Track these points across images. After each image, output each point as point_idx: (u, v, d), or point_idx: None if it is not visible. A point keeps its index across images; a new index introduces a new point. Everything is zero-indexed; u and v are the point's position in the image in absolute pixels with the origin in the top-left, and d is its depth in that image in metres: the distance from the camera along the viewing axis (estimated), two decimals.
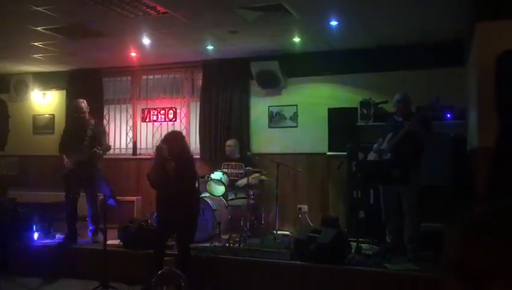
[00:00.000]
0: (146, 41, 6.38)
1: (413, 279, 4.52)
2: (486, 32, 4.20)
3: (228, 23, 5.68)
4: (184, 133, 6.91)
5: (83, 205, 6.02)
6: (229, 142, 6.89)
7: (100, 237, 5.39)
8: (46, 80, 8.54)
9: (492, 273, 0.71)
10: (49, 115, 8.59)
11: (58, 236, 6.13)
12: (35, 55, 7.33)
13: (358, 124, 6.44)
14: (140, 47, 6.71)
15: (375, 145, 5.37)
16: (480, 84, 4.33)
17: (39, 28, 5.90)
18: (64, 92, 8.37)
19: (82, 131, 5.85)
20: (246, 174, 6.26)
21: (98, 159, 5.88)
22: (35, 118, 8.67)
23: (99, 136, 5.93)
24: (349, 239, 5.24)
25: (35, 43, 6.62)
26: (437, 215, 5.31)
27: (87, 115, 5.99)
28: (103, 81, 8.15)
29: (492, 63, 3.43)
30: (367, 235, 5.65)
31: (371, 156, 5.39)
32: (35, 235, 6.06)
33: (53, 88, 8.56)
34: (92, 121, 6.05)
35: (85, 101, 6.04)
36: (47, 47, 6.84)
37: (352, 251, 5.12)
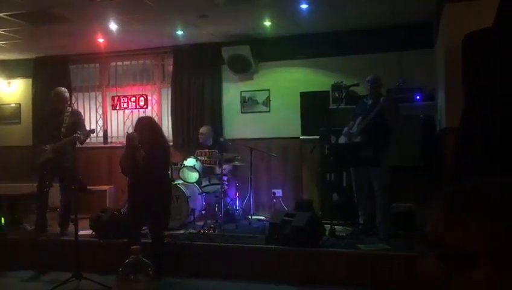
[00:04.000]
0: (113, 26, 6.22)
1: (386, 258, 4.61)
2: (454, 13, 4.25)
3: (197, 7, 5.58)
4: (156, 119, 6.81)
5: (51, 195, 5.89)
6: (202, 129, 6.82)
7: (70, 228, 5.29)
8: (11, 68, 8.27)
9: (474, 252, 0.69)
10: (15, 104, 8.34)
11: (28, 228, 5.99)
12: None
13: (330, 107, 6.47)
14: (107, 32, 6.54)
15: (345, 129, 5.42)
16: (448, 65, 4.39)
17: (1, 14, 5.68)
18: (30, 80, 8.12)
19: (59, 119, 5.73)
20: (220, 161, 6.23)
21: (74, 148, 5.80)
22: (0, 107, 8.40)
23: (78, 125, 5.81)
24: (323, 222, 5.30)
25: None
26: (408, 195, 5.42)
27: (67, 103, 5.91)
28: (70, 69, 7.94)
29: (461, 43, 3.47)
30: (341, 217, 5.72)
31: (342, 140, 5.45)
32: (5, 228, 5.90)
33: (18, 76, 8.29)
34: (69, 109, 5.94)
35: (67, 90, 5.95)
36: (10, 34, 6.60)
37: (326, 233, 5.19)
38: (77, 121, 5.86)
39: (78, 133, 5.61)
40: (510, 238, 0.67)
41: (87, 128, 6.09)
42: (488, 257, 0.68)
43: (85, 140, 5.85)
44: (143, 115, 7.29)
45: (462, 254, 0.69)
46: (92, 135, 7.62)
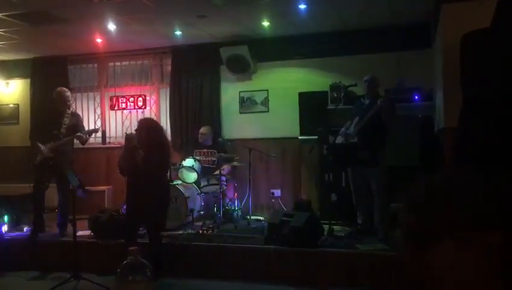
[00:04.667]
0: (111, 26, 6.22)
1: (384, 258, 4.61)
2: (452, 14, 4.25)
3: (195, 7, 5.58)
4: None
5: (50, 196, 5.88)
6: (203, 129, 6.81)
7: (70, 229, 5.28)
8: (9, 69, 8.26)
9: (436, 236, 0.77)
10: (13, 104, 8.33)
11: (26, 229, 5.98)
12: None
13: (328, 107, 6.48)
14: (106, 33, 6.54)
15: (342, 129, 5.43)
16: (446, 65, 4.39)
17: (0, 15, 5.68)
18: (28, 80, 8.11)
19: (60, 120, 5.73)
20: (219, 163, 6.23)
21: (73, 149, 5.83)
22: None
23: (78, 127, 5.82)
24: (322, 222, 5.30)
25: None
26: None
27: (69, 104, 5.92)
28: (68, 69, 7.94)
29: (459, 43, 3.47)
30: (339, 217, 5.72)
31: (339, 140, 5.45)
32: (3, 229, 5.89)
33: (16, 77, 8.28)
34: (70, 110, 5.94)
35: (68, 91, 5.95)
36: (8, 34, 6.59)
37: (325, 233, 5.19)
38: (78, 123, 5.89)
39: (81, 132, 5.62)
40: (462, 217, 0.76)
41: (86, 128, 6.09)
42: (446, 236, 0.76)
43: (87, 140, 5.86)
44: (143, 116, 7.27)
45: (426, 235, 0.78)
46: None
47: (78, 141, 5.81)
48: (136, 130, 4.82)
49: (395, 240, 4.78)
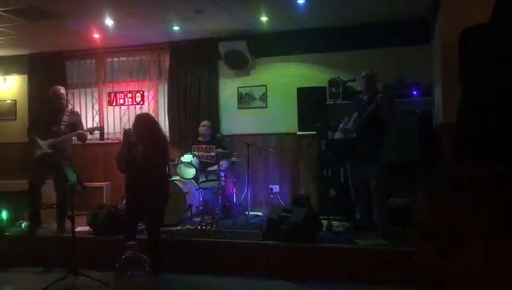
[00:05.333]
0: (109, 22, 6.19)
1: (383, 253, 4.62)
2: (451, 9, 4.24)
3: (193, 2, 5.55)
4: (153, 116, 6.79)
5: (48, 192, 5.86)
6: (205, 121, 6.85)
7: (68, 225, 5.27)
8: (6, 65, 8.22)
9: (461, 235, 0.72)
10: (11, 100, 8.29)
11: (25, 225, 5.97)
12: None
13: (327, 102, 6.47)
14: (103, 28, 6.51)
15: (341, 125, 5.42)
16: (444, 60, 4.38)
17: None
18: (25, 76, 8.08)
19: (59, 117, 5.72)
20: (218, 159, 6.22)
21: (71, 147, 5.83)
22: None
23: (78, 125, 5.83)
24: (321, 217, 5.30)
25: None
26: (405, 190, 5.42)
27: (65, 102, 5.91)
28: (66, 65, 7.90)
29: (457, 39, 3.47)
30: (338, 212, 5.72)
31: (337, 135, 5.44)
32: (2, 225, 5.88)
33: (14, 73, 8.25)
34: (69, 108, 5.94)
35: (63, 88, 5.94)
36: (6, 30, 6.56)
37: (324, 228, 5.19)
38: (77, 121, 5.89)
39: (82, 130, 5.64)
40: (492, 217, 0.72)
41: (84, 126, 6.09)
42: (474, 236, 0.71)
43: (87, 137, 5.87)
44: (140, 111, 7.25)
45: (450, 235, 0.73)
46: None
47: (76, 139, 5.80)
48: (133, 126, 4.80)
49: (411, 238, 4.77)
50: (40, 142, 5.60)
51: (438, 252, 0.75)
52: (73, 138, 5.81)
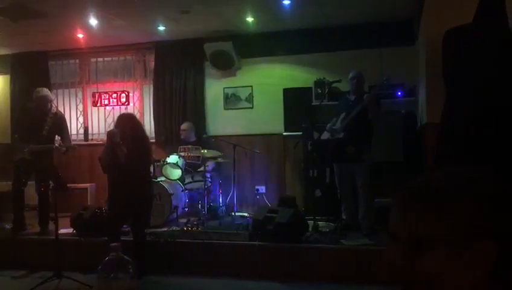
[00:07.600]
0: (93, 21, 6.13)
1: (368, 253, 4.64)
2: (435, 10, 4.29)
3: (179, 1, 5.53)
4: (138, 116, 6.75)
5: (31, 194, 5.78)
6: (183, 126, 6.79)
7: (52, 227, 5.20)
8: None
9: (427, 241, 0.75)
10: None
11: (7, 226, 5.88)
12: None
13: (313, 103, 6.49)
14: (87, 28, 6.44)
15: (329, 125, 5.44)
16: (428, 62, 4.43)
17: None
18: (8, 76, 7.95)
19: (41, 120, 5.59)
20: (203, 158, 6.19)
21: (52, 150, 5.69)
22: None
23: (60, 128, 5.69)
24: (307, 217, 5.31)
25: None
26: (390, 190, 5.45)
27: (50, 104, 5.76)
28: (49, 65, 7.80)
29: (441, 39, 3.51)
30: (324, 213, 5.74)
31: (325, 136, 5.46)
32: None
33: None
34: (53, 110, 5.81)
35: (47, 90, 5.83)
36: None
37: (310, 229, 5.20)
38: (62, 126, 5.75)
39: (60, 145, 5.49)
40: (456, 222, 0.74)
41: (69, 128, 5.99)
42: (441, 240, 0.74)
43: (64, 153, 5.67)
44: (124, 111, 7.19)
45: (417, 239, 0.76)
46: (72, 133, 7.47)
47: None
48: (116, 126, 4.74)
49: (383, 237, 4.81)
50: (21, 145, 5.51)
51: (404, 254, 0.78)
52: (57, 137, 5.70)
